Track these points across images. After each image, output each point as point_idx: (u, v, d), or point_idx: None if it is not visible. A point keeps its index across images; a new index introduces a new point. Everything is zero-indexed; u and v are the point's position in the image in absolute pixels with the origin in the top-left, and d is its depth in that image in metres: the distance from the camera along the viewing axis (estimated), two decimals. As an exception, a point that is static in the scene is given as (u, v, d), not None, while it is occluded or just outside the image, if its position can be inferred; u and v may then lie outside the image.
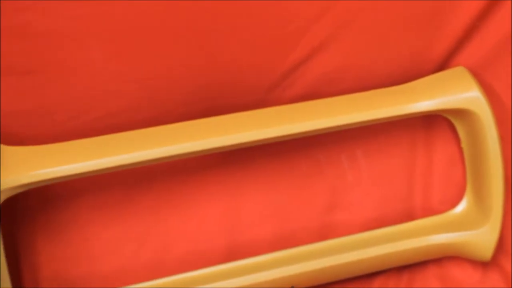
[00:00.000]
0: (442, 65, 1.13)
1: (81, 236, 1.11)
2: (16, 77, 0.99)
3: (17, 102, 1.01)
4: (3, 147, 1.00)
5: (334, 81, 1.11)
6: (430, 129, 1.19)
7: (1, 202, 0.98)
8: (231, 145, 1.02)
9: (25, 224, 1.09)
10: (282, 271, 1.08)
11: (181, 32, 1.01)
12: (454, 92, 1.08)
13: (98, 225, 1.11)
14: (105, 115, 1.04)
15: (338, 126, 1.05)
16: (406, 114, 1.08)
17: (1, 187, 0.97)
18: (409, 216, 1.19)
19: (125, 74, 1.02)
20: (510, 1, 1.08)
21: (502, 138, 1.08)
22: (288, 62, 1.07)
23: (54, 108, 1.02)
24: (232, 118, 1.04)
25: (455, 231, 1.12)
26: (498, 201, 1.09)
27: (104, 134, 1.02)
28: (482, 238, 1.11)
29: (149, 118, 1.05)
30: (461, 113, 1.09)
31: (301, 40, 1.06)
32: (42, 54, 0.98)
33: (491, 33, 1.10)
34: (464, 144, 1.14)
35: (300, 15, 1.04)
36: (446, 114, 1.11)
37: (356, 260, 1.09)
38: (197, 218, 1.13)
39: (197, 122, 1.03)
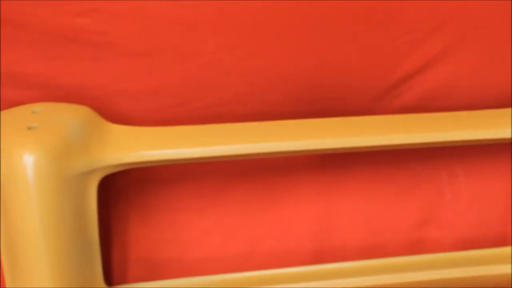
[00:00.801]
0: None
1: (172, 221, 1.11)
2: (130, 58, 1.00)
3: (129, 82, 1.02)
4: (109, 124, 1.01)
5: (442, 96, 1.09)
6: (534, 155, 1.16)
7: (101, 178, 0.99)
8: (331, 148, 1.01)
9: (120, 203, 1.10)
10: (366, 280, 1.07)
11: (296, 30, 1.01)
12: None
13: (190, 213, 1.11)
14: (212, 104, 1.04)
15: (440, 142, 1.04)
16: (510, 138, 1.05)
17: (103, 163, 0.98)
18: (503, 241, 1.16)
19: (235, 67, 1.02)
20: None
21: None
22: (400, 72, 1.06)
23: (163, 92, 1.03)
24: (336, 122, 1.04)
25: (550, 261, 1.09)
26: None
27: (208, 123, 1.02)
28: None
29: (254, 113, 1.05)
30: None
31: (416, 51, 1.05)
32: (159, 37, 0.99)
33: None
34: None
35: (419, 26, 1.03)
36: (552, 142, 1.08)
37: (444, 279, 1.08)
38: (288, 217, 1.13)
39: (300, 122, 1.03)
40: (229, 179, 1.11)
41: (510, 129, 1.05)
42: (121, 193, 1.10)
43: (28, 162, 0.94)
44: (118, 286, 1.06)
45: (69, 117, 0.99)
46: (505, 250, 1.11)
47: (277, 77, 1.04)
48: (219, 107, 1.05)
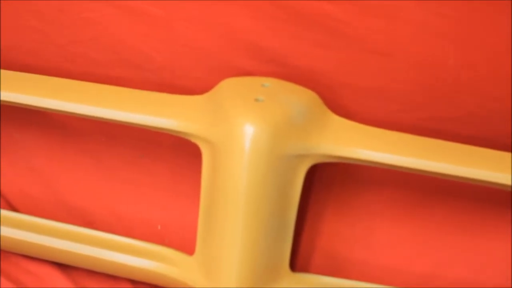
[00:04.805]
0: None
1: (367, 223, 1.11)
2: (369, 54, 1.00)
3: (360, 77, 1.02)
4: (331, 114, 1.02)
5: None
6: None
7: (311, 165, 1.00)
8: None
9: (321, 194, 1.11)
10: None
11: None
12: None
13: (386, 219, 1.10)
14: (437, 118, 1.02)
15: None
16: None
17: (318, 151, 0.99)
18: None
19: (470, 87, 0.99)
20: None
21: None
22: None
23: (392, 95, 1.02)
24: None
25: None
26: None
27: (429, 136, 1.00)
28: None
29: (478, 136, 1.02)
30: None
31: None
32: (402, 40, 0.98)
33: None
34: None
35: None
36: None
37: None
38: (483, 248, 1.09)
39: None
40: (432, 195, 1.09)
41: None
42: (324, 185, 1.10)
43: (248, 132, 0.96)
44: (303, 274, 1.06)
45: (295, 98, 1.00)
46: None
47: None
48: (443, 123, 1.02)
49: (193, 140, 1.01)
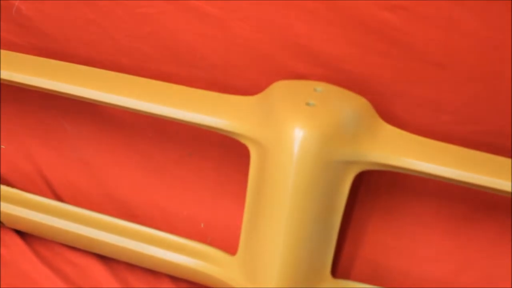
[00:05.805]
0: None
1: (412, 234, 1.11)
2: (423, 64, 0.99)
3: (413, 87, 1.01)
4: (382, 122, 1.01)
5: None
6: None
7: (358, 172, 0.99)
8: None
9: (366, 202, 1.11)
10: None
11: None
12: None
13: (432, 232, 1.10)
14: (490, 132, 1.01)
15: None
16: None
17: (366, 159, 0.99)
18: None
19: None
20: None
21: None
22: None
23: (445, 106, 1.01)
24: None
25: None
26: None
27: (480, 150, 0.98)
28: None
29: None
30: None
31: None
32: (459, 51, 0.97)
33: None
34: None
35: None
36: None
37: None
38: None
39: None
40: (480, 210, 1.08)
41: None
42: (370, 193, 1.10)
43: (298, 136, 0.96)
44: (344, 280, 1.06)
45: (347, 104, 0.99)
46: None
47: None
48: (495, 136, 1.01)
49: (242, 140, 1.01)
